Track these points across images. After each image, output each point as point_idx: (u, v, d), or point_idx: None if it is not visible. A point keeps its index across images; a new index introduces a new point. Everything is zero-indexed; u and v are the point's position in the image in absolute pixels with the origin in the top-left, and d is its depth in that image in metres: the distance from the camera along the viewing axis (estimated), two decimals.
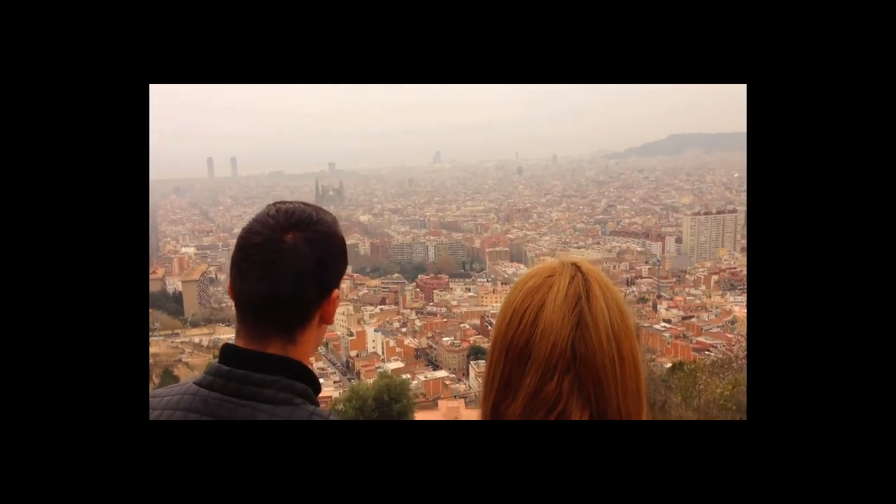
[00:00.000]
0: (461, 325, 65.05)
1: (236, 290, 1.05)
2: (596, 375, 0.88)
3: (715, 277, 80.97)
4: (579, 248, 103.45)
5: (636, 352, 0.92)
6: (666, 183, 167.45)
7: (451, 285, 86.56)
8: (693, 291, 76.41)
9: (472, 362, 51.05)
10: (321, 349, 59.62)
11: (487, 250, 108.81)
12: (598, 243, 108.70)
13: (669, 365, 18.29)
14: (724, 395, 12.77)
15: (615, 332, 0.90)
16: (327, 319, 1.09)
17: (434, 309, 75.14)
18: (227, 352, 1.05)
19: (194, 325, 75.19)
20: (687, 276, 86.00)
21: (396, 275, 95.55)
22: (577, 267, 0.95)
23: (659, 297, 74.41)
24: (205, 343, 63.39)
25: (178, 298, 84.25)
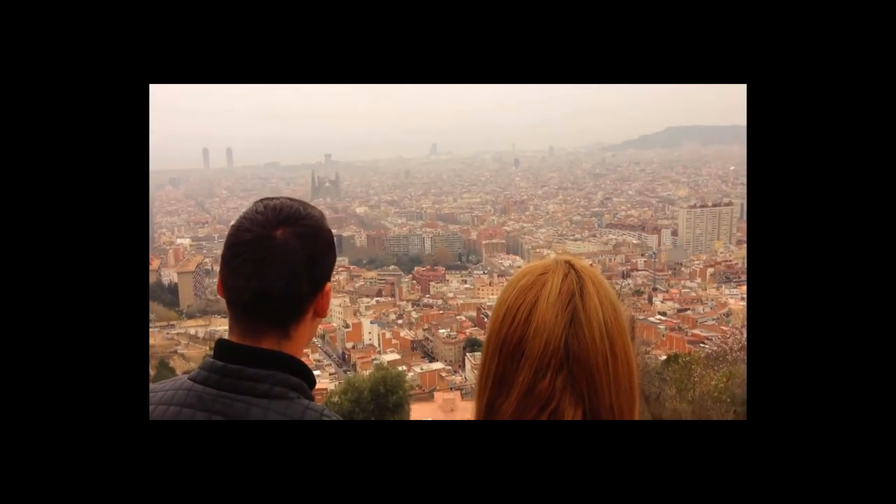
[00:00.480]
0: (457, 317, 65.17)
1: (227, 288, 1.05)
2: (589, 373, 0.88)
3: (710, 270, 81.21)
4: (575, 240, 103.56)
5: (629, 349, 0.92)
6: (662, 175, 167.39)
7: (447, 277, 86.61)
8: (688, 284, 76.62)
9: (468, 354, 51.12)
10: (317, 341, 59.69)
11: (484, 242, 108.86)
12: (595, 236, 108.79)
13: (664, 357, 18.35)
14: (719, 387, 12.82)
15: (608, 330, 0.90)
16: (321, 313, 1.10)
17: (430, 301, 75.21)
18: (220, 347, 1.06)
19: (190, 316, 75.12)
20: (682, 268, 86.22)
21: (393, 267, 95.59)
22: (570, 265, 0.95)
23: (654, 289, 74.64)
24: (200, 334, 63.37)
25: (173, 290, 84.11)
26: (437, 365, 51.49)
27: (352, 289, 78.99)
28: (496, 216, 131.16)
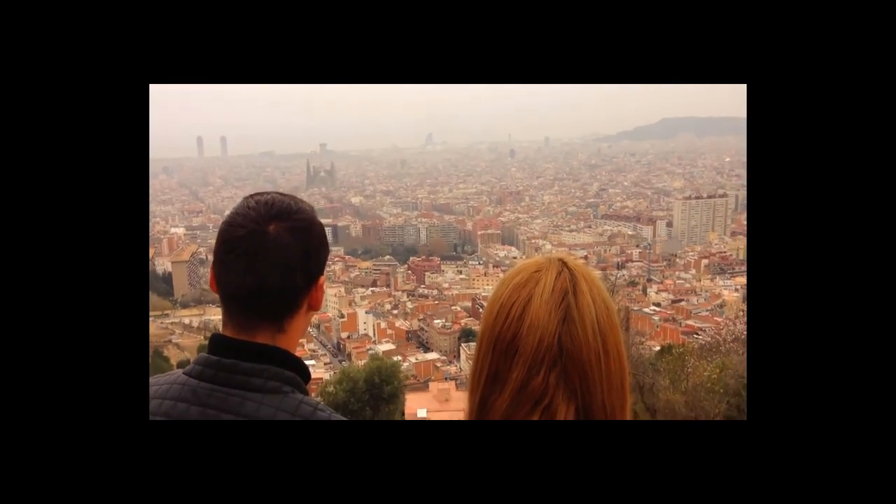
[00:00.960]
0: (452, 308, 65.34)
1: (222, 284, 1.05)
2: (582, 370, 0.89)
3: (705, 261, 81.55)
4: (571, 231, 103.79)
5: (621, 347, 0.93)
6: (657, 167, 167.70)
7: (442, 268, 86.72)
8: (683, 275, 76.98)
9: (463, 345, 51.31)
10: (312, 331, 59.73)
11: (479, 233, 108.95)
12: (590, 227, 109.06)
13: (658, 348, 18.45)
14: (712, 378, 12.90)
15: (601, 327, 0.91)
16: (315, 306, 1.11)
17: (425, 291, 75.35)
18: (215, 342, 1.06)
19: (184, 305, 75.11)
20: (677, 259, 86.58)
21: (388, 257, 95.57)
22: (563, 262, 0.96)
23: (649, 280, 74.93)
24: (195, 324, 63.40)
25: (167, 279, 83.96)
26: (433, 355, 51.65)
27: (347, 279, 78.98)
28: (492, 206, 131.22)
